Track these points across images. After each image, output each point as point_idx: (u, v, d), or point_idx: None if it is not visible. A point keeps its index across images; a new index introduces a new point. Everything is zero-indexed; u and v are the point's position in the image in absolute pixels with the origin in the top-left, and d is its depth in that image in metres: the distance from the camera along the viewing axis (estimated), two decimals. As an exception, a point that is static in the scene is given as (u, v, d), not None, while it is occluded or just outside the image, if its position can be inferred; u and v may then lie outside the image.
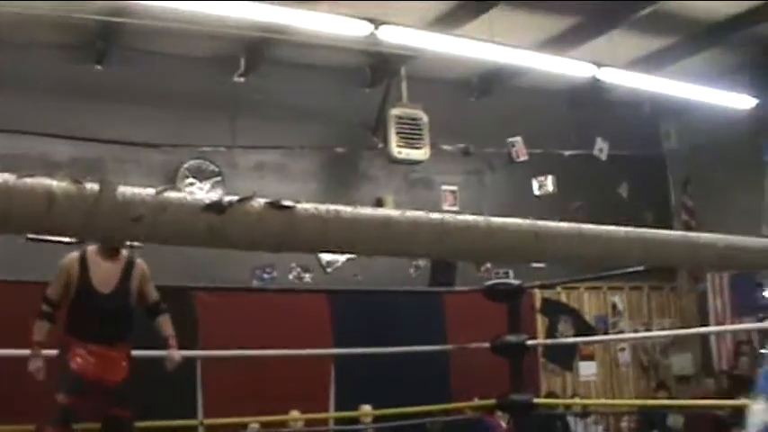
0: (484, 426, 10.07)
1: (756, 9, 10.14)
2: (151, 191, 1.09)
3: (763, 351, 3.23)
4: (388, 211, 1.22)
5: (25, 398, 8.04)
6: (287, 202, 1.15)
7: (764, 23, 10.38)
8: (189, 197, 1.12)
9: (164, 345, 5.61)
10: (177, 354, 5.63)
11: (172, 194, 1.10)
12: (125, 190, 1.09)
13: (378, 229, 1.22)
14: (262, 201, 1.15)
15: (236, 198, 1.14)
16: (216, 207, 1.11)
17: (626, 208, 12.25)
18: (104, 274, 5.34)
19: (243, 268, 10.05)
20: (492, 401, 8.90)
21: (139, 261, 5.56)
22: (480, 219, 1.31)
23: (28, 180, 1.05)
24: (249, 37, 9.98)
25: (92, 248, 5.37)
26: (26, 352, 6.43)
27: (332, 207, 1.18)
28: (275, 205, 1.14)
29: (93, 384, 5.08)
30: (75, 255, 5.33)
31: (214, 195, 1.11)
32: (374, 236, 1.22)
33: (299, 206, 1.16)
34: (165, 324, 5.62)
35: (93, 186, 1.09)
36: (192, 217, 1.11)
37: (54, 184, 1.08)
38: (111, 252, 5.37)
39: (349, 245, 1.24)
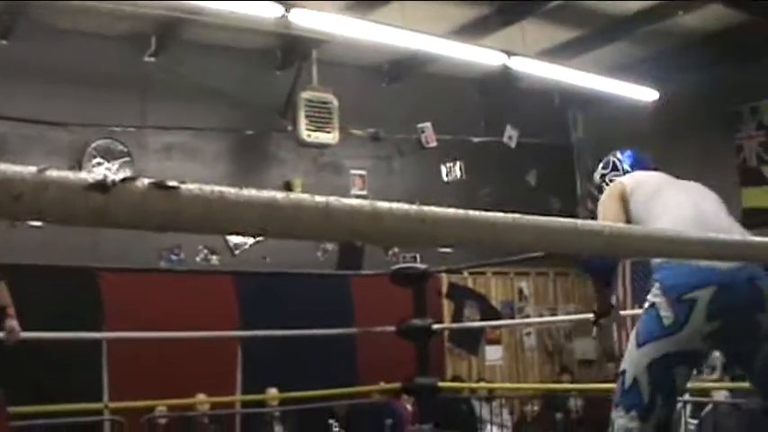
0: (390, 409, 10.17)
1: (664, 5, 10.38)
2: (33, 168, 1.10)
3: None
4: (273, 193, 1.24)
5: None
6: (171, 183, 1.16)
7: (671, 18, 10.62)
8: (72, 175, 1.12)
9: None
10: (17, 326, 4.92)
11: (54, 173, 1.10)
12: (5, 167, 1.09)
13: (262, 210, 1.24)
14: (146, 181, 1.15)
15: (119, 177, 1.15)
16: (99, 186, 1.11)
17: (533, 195, 12.44)
18: None
19: (150, 249, 9.96)
20: (397, 385, 9.00)
21: None
22: (366, 203, 1.34)
23: None
24: (161, 16, 9.87)
25: None
26: None
27: (216, 188, 1.20)
28: (159, 185, 1.15)
29: None
30: None
31: (99, 174, 1.12)
32: (258, 217, 1.24)
33: (184, 187, 1.17)
34: (1, 292, 5.00)
35: (-28, 163, 1.09)
36: (75, 196, 1.11)
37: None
38: None
39: (233, 226, 1.26)
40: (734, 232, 3.40)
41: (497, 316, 12.45)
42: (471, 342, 12.36)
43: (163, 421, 8.88)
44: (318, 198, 1.25)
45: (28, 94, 9.55)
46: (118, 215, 1.13)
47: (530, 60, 10.67)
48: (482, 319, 12.11)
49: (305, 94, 10.54)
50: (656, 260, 3.43)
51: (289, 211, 1.22)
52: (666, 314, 3.31)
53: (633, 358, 3.41)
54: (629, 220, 3.67)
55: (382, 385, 9.78)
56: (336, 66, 11.04)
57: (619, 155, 4.19)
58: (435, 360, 9.91)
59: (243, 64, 10.91)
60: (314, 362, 9.63)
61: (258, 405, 9.82)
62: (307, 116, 10.46)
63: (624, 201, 3.73)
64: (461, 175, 12.39)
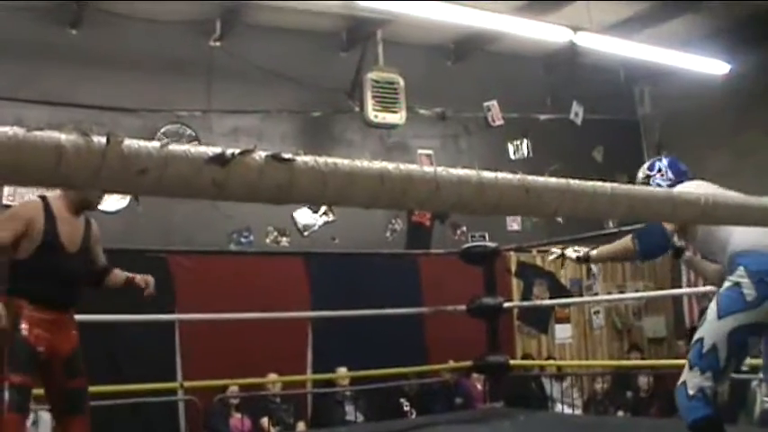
0: (460, 388, 10.18)
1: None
2: (156, 144, 1.12)
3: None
4: (384, 164, 1.25)
5: None
6: (287, 155, 1.18)
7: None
8: (192, 150, 1.14)
9: (130, 285, 4.93)
10: (148, 277, 4.94)
11: (175, 147, 1.12)
12: (130, 143, 1.11)
13: (373, 182, 1.26)
14: (263, 153, 1.17)
15: (237, 151, 1.16)
16: (218, 159, 1.13)
17: (600, 172, 12.29)
18: (71, 230, 4.56)
19: (219, 232, 10.05)
20: (468, 363, 9.01)
21: (93, 220, 4.84)
22: (472, 173, 1.35)
23: (37, 133, 1.08)
24: (225, 1, 9.95)
25: (54, 198, 4.53)
26: None
27: (330, 160, 1.21)
28: (276, 157, 1.17)
29: (48, 357, 4.34)
30: (37, 202, 4.52)
31: (217, 149, 1.14)
32: (369, 189, 1.25)
33: (299, 159, 1.19)
34: (119, 271, 4.95)
35: (100, 140, 1.11)
36: (195, 170, 1.13)
37: (63, 137, 1.10)
38: (81, 209, 4.62)
39: (345, 198, 1.27)
40: None
41: (566, 294, 12.37)
42: (540, 320, 12.32)
43: (235, 401, 8.98)
44: (427, 169, 1.26)
45: (98, 82, 9.67)
46: (236, 188, 1.14)
47: (596, 36, 10.53)
48: (551, 298, 12.06)
49: (371, 75, 10.53)
50: (738, 248, 4.01)
51: (399, 183, 1.23)
52: (749, 291, 3.89)
53: (713, 327, 3.96)
54: (690, 232, 4.33)
55: (452, 364, 9.80)
56: (402, 45, 11.02)
57: (664, 161, 4.71)
58: (505, 338, 9.91)
59: (308, 46, 10.92)
60: (383, 341, 9.66)
61: (329, 385, 9.87)
62: (373, 97, 10.45)
63: None
64: (528, 153, 12.32)
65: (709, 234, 4.21)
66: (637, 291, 13.07)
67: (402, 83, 10.65)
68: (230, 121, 10.48)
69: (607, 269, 13.19)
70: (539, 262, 12.42)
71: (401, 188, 1.28)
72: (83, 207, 4.62)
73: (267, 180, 1.17)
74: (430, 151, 11.77)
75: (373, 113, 10.48)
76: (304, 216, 10.74)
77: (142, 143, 1.11)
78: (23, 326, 4.27)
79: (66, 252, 4.51)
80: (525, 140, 12.25)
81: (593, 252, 4.95)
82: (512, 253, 11.69)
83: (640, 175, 4.75)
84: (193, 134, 10.27)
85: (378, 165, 1.24)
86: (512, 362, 9.19)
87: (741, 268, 3.96)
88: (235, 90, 10.44)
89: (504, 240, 9.97)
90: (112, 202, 9.13)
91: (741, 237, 4.02)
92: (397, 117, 10.66)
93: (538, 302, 11.83)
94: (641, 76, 13.19)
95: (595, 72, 12.36)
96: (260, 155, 1.17)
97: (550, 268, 12.16)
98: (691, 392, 3.95)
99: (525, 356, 11.59)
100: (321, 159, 1.21)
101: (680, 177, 4.58)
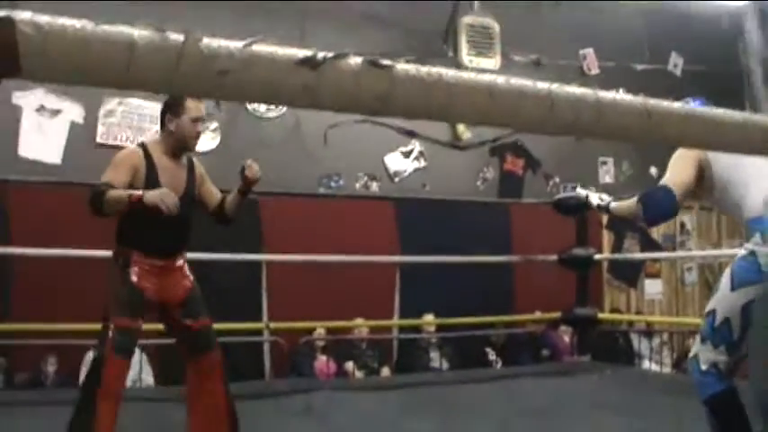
0: (547, 339, 10.04)
1: None
2: (239, 43, 1.00)
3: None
4: (494, 77, 1.12)
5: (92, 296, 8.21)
6: (385, 61, 1.05)
7: None
8: (280, 51, 1.02)
9: (247, 187, 4.61)
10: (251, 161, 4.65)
11: (262, 47, 1.00)
12: (210, 41, 0.99)
13: (481, 96, 1.12)
14: (359, 58, 1.05)
15: (330, 54, 1.04)
16: (310, 62, 1.01)
17: (699, 125, 11.96)
18: (172, 176, 4.43)
19: (309, 177, 10.01)
20: (556, 315, 8.88)
21: (196, 160, 4.73)
22: (589, 91, 1.21)
23: (107, 27, 0.96)
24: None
25: (153, 144, 4.48)
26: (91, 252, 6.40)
27: (434, 69, 1.08)
28: (374, 63, 1.04)
29: (161, 302, 4.38)
30: (136, 149, 4.44)
31: (309, 50, 1.02)
32: (476, 103, 1.12)
33: (399, 66, 1.06)
34: (229, 195, 4.71)
35: (176, 37, 1.00)
36: (283, 72, 1.02)
37: (135, 32, 0.99)
38: (179, 151, 4.48)
39: (449, 111, 1.14)
40: None
41: (658, 249, 12.10)
42: (631, 274, 12.07)
43: (321, 343, 8.99)
44: (540, 84, 1.13)
45: (187, 20, 9.60)
46: (327, 94, 1.03)
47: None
48: (642, 252, 11.80)
49: (466, 20, 10.33)
50: (752, 213, 3.69)
51: (510, 98, 1.10)
52: (765, 261, 3.59)
53: (726, 299, 3.71)
54: (708, 186, 3.91)
55: (539, 315, 9.67)
56: (498, -10, 10.78)
57: (692, 103, 4.20)
58: (594, 291, 9.75)
59: (403, -11, 10.74)
60: (471, 290, 9.58)
61: (415, 331, 9.81)
62: (468, 41, 10.27)
63: (701, 164, 3.92)
64: (625, 104, 11.99)
65: (724, 192, 3.89)
66: (732, 248, 12.70)
67: (497, 28, 10.44)
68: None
69: (702, 226, 12.85)
70: (631, 216, 12.13)
71: (512, 105, 1.14)
72: (181, 149, 4.50)
73: (364, 88, 1.05)
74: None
75: (468, 58, 10.30)
76: (395, 161, 10.63)
77: (223, 42, 0.99)
78: (133, 271, 4.28)
79: None
80: (621, 90, 11.93)
81: (614, 204, 4.54)
82: (604, 205, 11.42)
83: None
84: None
85: (487, 77, 1.11)
86: (600, 315, 9.04)
87: (758, 234, 3.66)
88: (328, 32, 10.29)
89: (597, 191, 9.74)
90: (203, 143, 9.13)
91: (754, 200, 3.72)
92: (492, 63, 10.46)
93: (629, 255, 11.58)
94: (744, 25, 12.70)
95: (696, 21, 11.93)
96: (355, 60, 1.04)
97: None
98: (704, 367, 3.76)
99: (613, 311, 11.38)
100: (424, 68, 1.08)
101: None
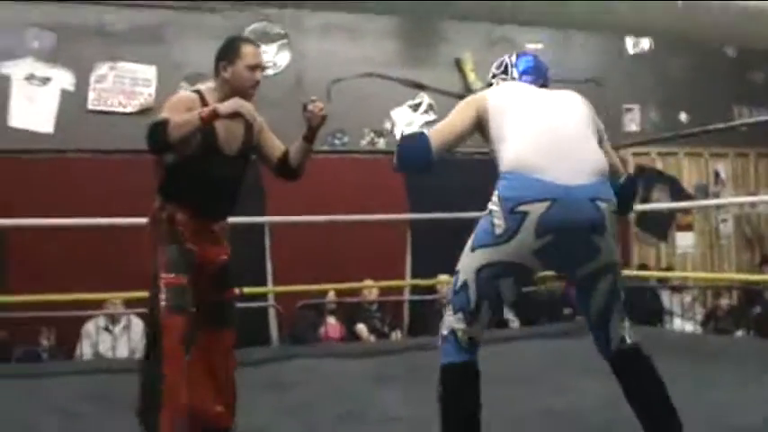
0: (567, 297, 9.62)
1: None
2: None
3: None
4: None
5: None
6: None
7: None
8: None
9: (312, 133, 4.28)
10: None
11: None
12: None
13: None
14: None
15: None
16: None
17: (732, 68, 11.52)
18: (229, 130, 4.05)
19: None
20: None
21: (254, 110, 4.16)
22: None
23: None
24: None
25: (209, 92, 4.08)
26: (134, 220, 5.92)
27: None
28: None
29: (200, 264, 4.02)
30: (192, 95, 4.07)
31: None
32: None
33: None
34: (292, 146, 4.34)
35: None
36: None
37: None
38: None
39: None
40: (586, 156, 3.31)
41: (690, 200, 11.58)
42: (660, 227, 11.60)
43: (331, 306, 8.79)
44: None
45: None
46: None
47: None
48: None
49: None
50: (504, 167, 3.30)
51: None
52: (499, 223, 3.24)
53: (465, 261, 3.36)
54: (487, 137, 3.49)
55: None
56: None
57: (514, 58, 3.89)
58: (620, 246, 9.30)
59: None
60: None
61: (428, 291, 9.45)
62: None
63: (481, 115, 3.52)
64: (651, 46, 11.52)
65: (492, 144, 3.46)
66: (771, 198, 12.16)
67: None
68: (323, 17, 10.01)
69: (738, 175, 12.30)
70: (659, 165, 11.65)
71: None
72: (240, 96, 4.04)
73: None
74: (539, 46, 10.91)
75: (478, 5, 9.87)
76: (403, 116, 10.28)
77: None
78: (180, 230, 3.98)
79: (224, 155, 4.05)
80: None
81: None
82: (630, 157, 10.99)
83: (489, 76, 3.96)
84: (282, 32, 9.96)
85: None
86: (627, 272, 8.59)
87: (495, 193, 3.28)
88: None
89: (620, 139, 9.35)
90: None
91: (508, 153, 3.31)
92: (504, 9, 10.00)
93: (657, 205, 11.09)
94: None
95: None
96: None
97: (671, 172, 11.44)
98: (444, 332, 3.40)
99: (642, 267, 10.91)
100: None
101: (524, 76, 3.80)
